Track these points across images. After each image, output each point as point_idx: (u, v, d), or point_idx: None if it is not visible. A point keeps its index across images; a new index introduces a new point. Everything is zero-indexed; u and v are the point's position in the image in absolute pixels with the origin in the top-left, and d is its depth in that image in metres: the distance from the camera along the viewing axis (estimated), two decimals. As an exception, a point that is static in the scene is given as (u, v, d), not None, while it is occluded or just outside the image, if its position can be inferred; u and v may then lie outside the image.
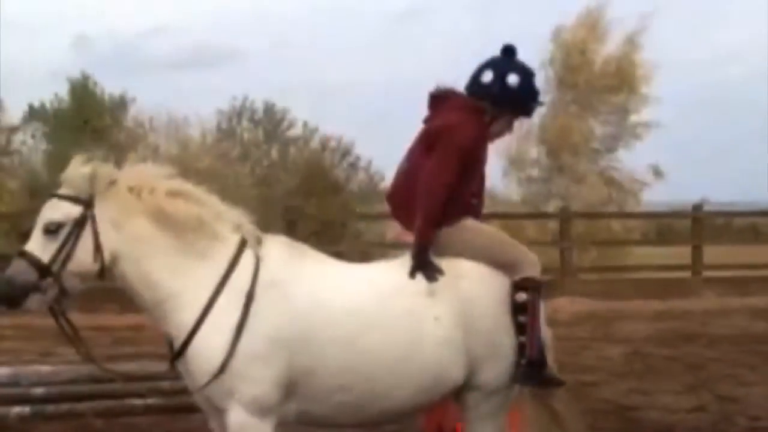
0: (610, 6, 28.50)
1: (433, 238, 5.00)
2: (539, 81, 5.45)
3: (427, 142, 5.11)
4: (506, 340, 4.97)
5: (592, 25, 28.26)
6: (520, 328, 5.00)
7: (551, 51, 28.11)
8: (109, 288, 4.99)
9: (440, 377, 4.87)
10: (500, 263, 5.06)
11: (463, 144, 5.01)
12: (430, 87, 5.35)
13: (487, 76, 5.18)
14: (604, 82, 27.61)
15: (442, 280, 4.90)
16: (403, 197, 5.21)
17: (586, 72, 27.55)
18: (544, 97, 27.57)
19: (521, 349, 4.99)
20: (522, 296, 5.00)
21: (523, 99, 5.26)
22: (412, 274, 4.93)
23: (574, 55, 27.77)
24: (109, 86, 28.13)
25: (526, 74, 5.23)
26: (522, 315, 4.99)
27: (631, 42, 28.11)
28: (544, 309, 5.16)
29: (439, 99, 5.29)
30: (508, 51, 5.27)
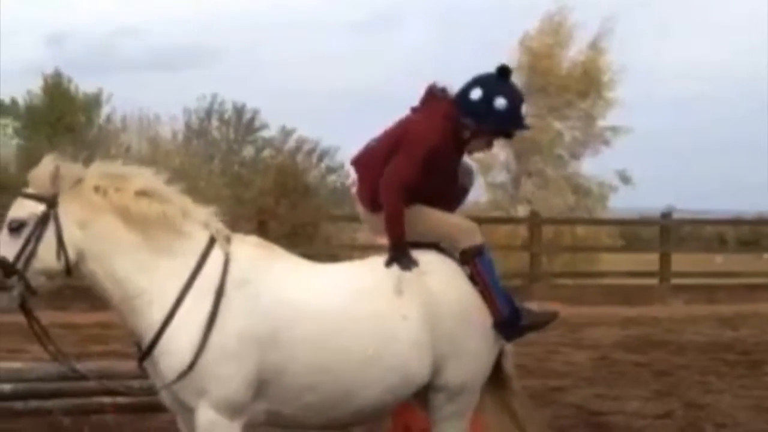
0: (572, 11, 28.67)
1: (402, 232, 5.06)
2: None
3: (399, 138, 5.16)
4: (470, 337, 5.01)
5: (555, 30, 28.40)
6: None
7: (518, 57, 28.22)
8: (78, 286, 4.97)
9: (407, 376, 4.90)
10: (441, 240, 5.20)
11: (427, 150, 5.06)
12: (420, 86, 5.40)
13: (476, 94, 5.20)
14: (570, 87, 27.75)
15: (407, 277, 4.95)
16: (364, 167, 5.32)
17: (553, 76, 27.70)
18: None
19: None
20: (466, 269, 5.14)
21: (507, 123, 5.28)
22: (389, 264, 4.99)
23: (540, 60, 27.90)
24: (83, 84, 27.98)
25: (515, 99, 5.24)
26: (475, 285, 5.13)
27: (595, 47, 28.30)
28: (492, 266, 5.23)
29: (432, 97, 5.33)
30: (503, 72, 5.28)
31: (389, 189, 5.06)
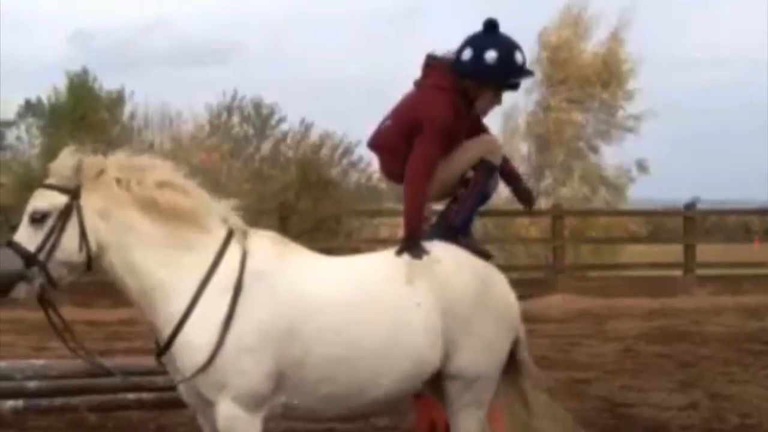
0: (590, 2, 28.53)
1: (420, 226, 5.17)
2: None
3: (412, 119, 5.24)
4: (482, 323, 5.03)
5: (575, 22, 28.28)
6: (454, 200, 5.39)
7: (538, 51, 28.11)
8: (101, 282, 4.99)
9: (421, 362, 4.91)
10: (472, 164, 5.37)
11: (442, 131, 5.17)
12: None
13: (467, 54, 5.25)
14: (591, 78, 27.62)
15: (418, 266, 4.99)
16: (386, 150, 5.44)
17: (573, 68, 27.58)
18: (533, 94, 27.81)
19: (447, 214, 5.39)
20: (470, 173, 5.34)
21: (503, 74, 5.31)
22: (399, 253, 5.06)
23: (560, 52, 27.79)
24: (106, 81, 28.05)
25: (505, 49, 5.26)
26: (463, 188, 5.34)
27: (615, 37, 28.15)
28: (487, 188, 5.47)
29: (431, 67, 5.40)
30: (489, 26, 5.32)
31: (413, 181, 5.16)
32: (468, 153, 5.39)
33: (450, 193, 5.45)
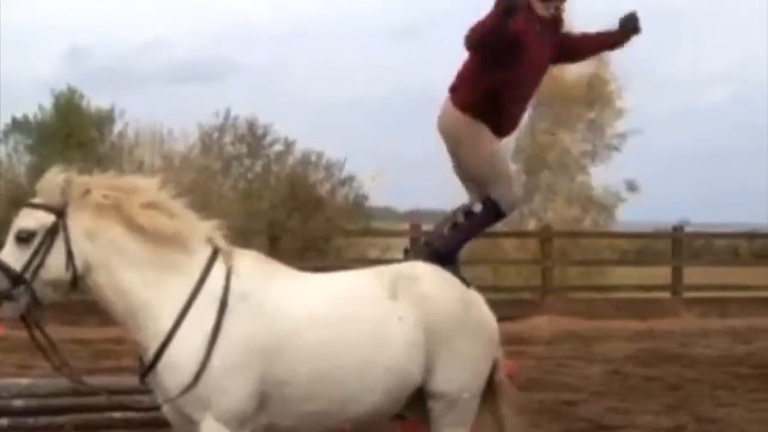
0: (574, 21, 28.58)
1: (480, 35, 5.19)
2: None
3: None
4: (463, 339, 5.06)
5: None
6: (453, 225, 5.52)
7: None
8: (89, 301, 4.98)
9: (403, 377, 4.94)
10: (489, 176, 5.51)
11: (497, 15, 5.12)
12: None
13: None
14: (577, 99, 27.69)
15: (402, 283, 5.02)
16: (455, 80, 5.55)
17: (558, 89, 27.62)
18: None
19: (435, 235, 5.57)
20: (477, 207, 5.50)
21: None
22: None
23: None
24: (101, 99, 28.07)
25: None
26: (465, 218, 5.50)
27: (601, 58, 28.23)
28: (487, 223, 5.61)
29: None
30: None
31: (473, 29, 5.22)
32: (501, 167, 5.57)
33: (462, 177, 5.61)
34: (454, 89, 5.56)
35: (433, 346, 4.97)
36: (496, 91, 5.39)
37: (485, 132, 5.48)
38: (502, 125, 5.56)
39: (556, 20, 5.61)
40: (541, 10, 5.48)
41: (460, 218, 5.56)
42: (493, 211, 5.56)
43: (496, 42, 5.22)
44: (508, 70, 5.35)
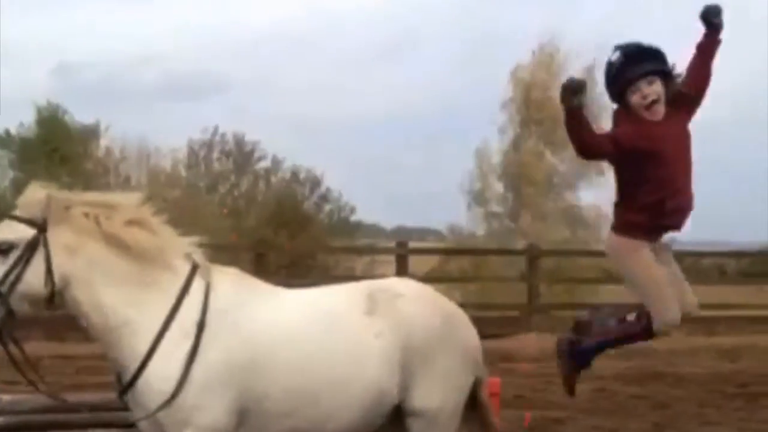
0: (564, 40, 28.67)
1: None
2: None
3: None
4: (442, 356, 5.04)
5: (548, 61, 28.42)
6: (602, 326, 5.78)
7: (511, 90, 28.24)
8: (73, 316, 4.94)
9: (380, 393, 4.92)
10: (647, 296, 5.64)
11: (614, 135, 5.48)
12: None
13: (605, 67, 5.59)
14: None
15: (380, 299, 5.01)
16: None
17: (547, 109, 27.68)
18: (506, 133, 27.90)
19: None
20: (632, 316, 5.69)
21: (628, 67, 5.44)
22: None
23: (533, 92, 27.91)
24: (90, 115, 28.08)
25: (626, 47, 5.49)
26: (617, 323, 5.75)
27: (590, 77, 28.30)
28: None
29: None
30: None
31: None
32: (653, 289, 5.68)
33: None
34: (615, 205, 5.81)
35: (410, 363, 4.95)
36: (655, 201, 5.53)
37: (641, 252, 5.66)
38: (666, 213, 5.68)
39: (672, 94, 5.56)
40: (635, 101, 5.47)
41: (611, 322, 5.71)
42: (644, 326, 5.66)
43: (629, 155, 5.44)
44: (657, 170, 5.47)
